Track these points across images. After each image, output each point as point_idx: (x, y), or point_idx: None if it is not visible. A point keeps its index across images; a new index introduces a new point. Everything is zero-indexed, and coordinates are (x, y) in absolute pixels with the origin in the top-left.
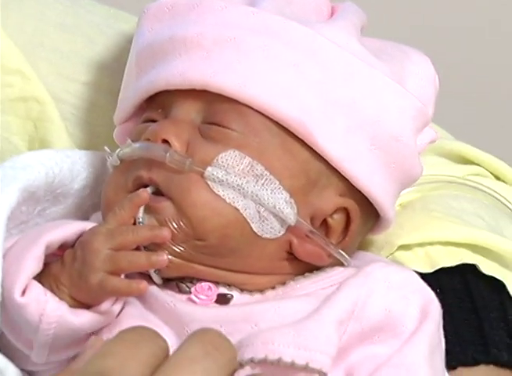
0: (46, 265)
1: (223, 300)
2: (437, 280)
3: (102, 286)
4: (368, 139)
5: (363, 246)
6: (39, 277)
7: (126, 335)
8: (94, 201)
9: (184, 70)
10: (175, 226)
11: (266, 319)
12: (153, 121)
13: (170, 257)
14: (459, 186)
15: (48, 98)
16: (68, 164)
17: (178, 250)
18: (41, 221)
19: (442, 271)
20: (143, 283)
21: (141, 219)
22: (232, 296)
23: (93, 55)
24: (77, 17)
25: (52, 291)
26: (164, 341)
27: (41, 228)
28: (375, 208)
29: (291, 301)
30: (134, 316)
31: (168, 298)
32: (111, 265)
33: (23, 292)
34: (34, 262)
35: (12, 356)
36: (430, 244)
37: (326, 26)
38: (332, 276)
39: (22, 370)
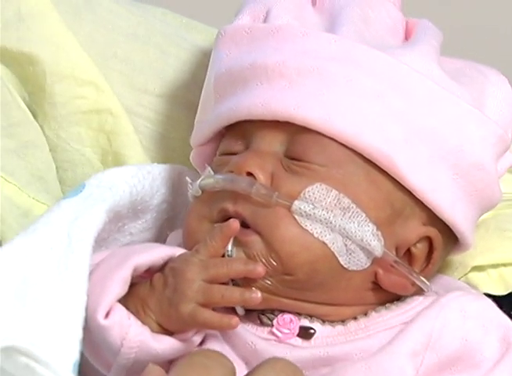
0: (132, 285)
1: (305, 335)
2: (511, 302)
3: (193, 317)
4: (450, 169)
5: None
6: (124, 297)
7: (195, 358)
8: (169, 215)
9: (266, 101)
10: (264, 261)
11: (346, 360)
12: (233, 153)
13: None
14: None
15: (121, 110)
16: (149, 180)
17: (265, 284)
18: (119, 236)
19: None
20: (235, 319)
21: (230, 252)
22: (314, 331)
23: (166, 67)
24: (149, 27)
25: (137, 313)
26: (231, 362)
27: (128, 250)
28: (455, 234)
29: (371, 340)
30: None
31: (249, 336)
32: (204, 298)
33: (107, 314)
34: (120, 285)
35: (89, 374)
36: (504, 265)
37: (407, 52)
38: (413, 309)
39: None
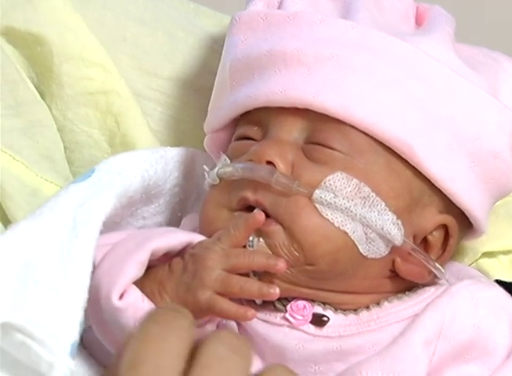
0: (149, 268)
1: (319, 322)
2: None
3: (209, 305)
4: (468, 157)
5: None
6: (141, 279)
7: (150, 329)
8: (180, 197)
9: (285, 88)
10: (286, 251)
11: (359, 354)
12: (250, 138)
13: (277, 281)
14: None
15: (129, 93)
16: (162, 164)
17: (286, 274)
18: (132, 220)
19: None
20: (251, 311)
21: (251, 243)
22: (328, 319)
23: (175, 51)
24: (157, 11)
25: (152, 295)
26: (188, 314)
27: (147, 233)
28: (469, 221)
29: (383, 333)
30: None
31: (261, 328)
32: (222, 287)
33: (121, 296)
34: (136, 267)
35: (96, 351)
36: None
37: (423, 39)
38: (424, 300)
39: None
